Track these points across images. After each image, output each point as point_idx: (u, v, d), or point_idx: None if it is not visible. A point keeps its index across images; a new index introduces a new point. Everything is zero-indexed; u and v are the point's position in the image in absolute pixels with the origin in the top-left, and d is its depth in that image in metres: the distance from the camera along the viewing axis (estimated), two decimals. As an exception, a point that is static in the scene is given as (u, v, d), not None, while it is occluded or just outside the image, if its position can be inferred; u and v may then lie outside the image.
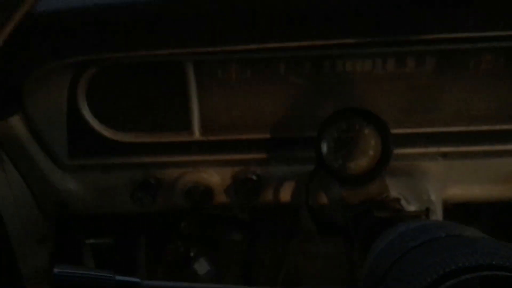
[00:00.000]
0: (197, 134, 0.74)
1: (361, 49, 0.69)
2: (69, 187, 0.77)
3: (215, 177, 0.78)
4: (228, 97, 0.73)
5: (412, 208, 0.66)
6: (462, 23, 0.64)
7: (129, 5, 0.61)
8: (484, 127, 0.73)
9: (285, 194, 0.78)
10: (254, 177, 0.77)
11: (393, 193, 0.67)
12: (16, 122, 0.67)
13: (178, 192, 0.78)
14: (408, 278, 0.31)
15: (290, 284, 1.13)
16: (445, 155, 0.74)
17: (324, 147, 0.64)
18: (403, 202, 0.64)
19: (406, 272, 0.32)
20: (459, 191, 0.79)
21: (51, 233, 0.84)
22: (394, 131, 0.72)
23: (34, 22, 0.61)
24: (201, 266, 1.09)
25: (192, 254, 1.04)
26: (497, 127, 0.72)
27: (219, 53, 0.67)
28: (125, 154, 0.74)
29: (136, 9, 0.61)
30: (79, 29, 0.62)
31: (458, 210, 1.00)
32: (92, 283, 0.33)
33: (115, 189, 0.78)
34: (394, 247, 0.37)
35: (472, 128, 0.73)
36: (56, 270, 0.34)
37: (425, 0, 0.63)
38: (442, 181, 0.77)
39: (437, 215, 0.73)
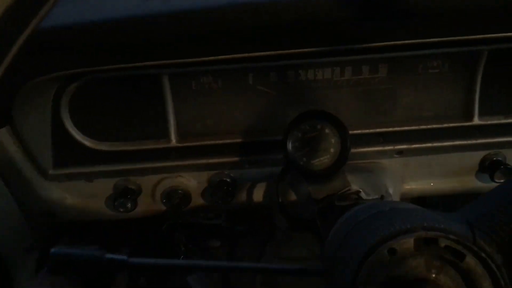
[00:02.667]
0: (174, 141, 0.79)
1: (321, 58, 0.76)
2: (54, 196, 0.81)
3: (192, 181, 0.83)
4: (202, 106, 0.79)
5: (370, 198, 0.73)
6: (410, 31, 0.72)
7: (109, 22, 0.67)
8: (434, 126, 0.80)
9: (258, 194, 0.85)
10: (228, 180, 0.83)
11: (354, 187, 0.74)
12: (4, 134, 0.72)
13: (158, 197, 0.84)
14: (357, 243, 0.38)
15: (268, 286, 1.18)
16: (400, 152, 0.82)
17: (290, 146, 0.71)
18: (362, 194, 0.71)
19: (356, 239, 0.39)
20: (415, 185, 0.87)
21: (39, 242, 0.88)
22: (354, 132, 0.79)
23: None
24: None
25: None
26: (445, 125, 0.80)
27: (192, 65, 0.73)
28: (106, 162, 0.79)
29: (116, 26, 0.67)
30: (63, 45, 0.67)
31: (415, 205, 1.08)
32: (85, 261, 0.39)
33: (98, 196, 0.82)
34: (348, 221, 0.43)
35: (423, 126, 0.80)
36: (53, 249, 0.39)
37: (376, 12, 0.71)
38: (399, 176, 0.84)
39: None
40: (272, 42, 0.71)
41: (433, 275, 0.36)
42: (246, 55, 0.72)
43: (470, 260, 0.35)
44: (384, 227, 0.36)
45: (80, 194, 0.82)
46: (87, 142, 0.78)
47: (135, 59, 0.69)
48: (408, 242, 0.36)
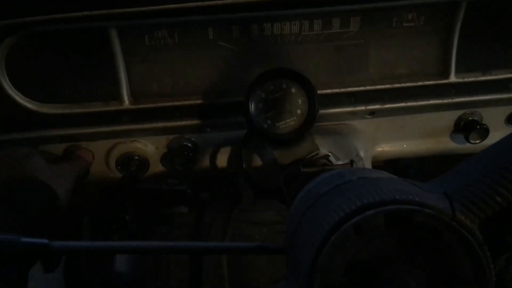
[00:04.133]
0: (127, 103, 0.72)
1: (288, 10, 0.69)
2: (-4, 165, 0.74)
3: (149, 147, 0.77)
4: (157, 64, 0.72)
5: (339, 163, 0.68)
6: None
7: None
8: (408, 84, 0.75)
9: (222, 160, 0.79)
10: (189, 144, 0.77)
11: (323, 151, 0.69)
12: None
13: (112, 164, 0.77)
14: (318, 220, 0.33)
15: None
16: (372, 113, 0.77)
17: (253, 108, 0.64)
18: (331, 158, 0.66)
19: (317, 215, 0.34)
20: (388, 147, 0.83)
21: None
22: (323, 91, 0.74)
23: None
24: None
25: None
26: (420, 83, 0.76)
27: (143, 16, 0.65)
28: (52, 126, 0.72)
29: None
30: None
31: (388, 167, 1.05)
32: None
33: (45, 164, 0.75)
34: (310, 194, 0.38)
35: (397, 85, 0.75)
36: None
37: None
38: (371, 138, 0.80)
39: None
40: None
41: (406, 257, 0.31)
42: (204, 3, 0.65)
43: (448, 238, 0.30)
44: (350, 201, 0.31)
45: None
46: (29, 104, 0.71)
47: (75, 7, 0.60)
48: (377, 219, 0.30)
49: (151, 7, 0.64)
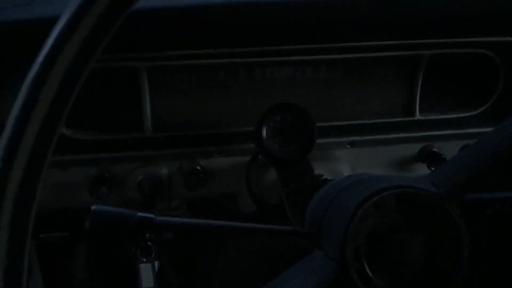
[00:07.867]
0: (148, 132, 0.84)
1: (285, 57, 0.84)
2: (28, 185, 0.83)
3: (164, 170, 0.88)
4: (176, 100, 0.84)
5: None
6: (364, 35, 0.82)
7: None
8: (382, 120, 0.91)
9: (226, 182, 0.91)
10: (198, 168, 0.89)
11: (317, 172, 0.82)
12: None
13: (130, 185, 0.88)
14: (347, 202, 0.46)
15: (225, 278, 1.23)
16: (352, 144, 0.92)
17: (264, 134, 0.78)
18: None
19: (344, 199, 0.47)
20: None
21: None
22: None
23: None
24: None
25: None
26: (391, 120, 0.92)
27: (169, 59, 0.79)
28: (82, 151, 0.82)
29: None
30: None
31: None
32: (119, 218, 0.44)
33: (72, 185, 0.85)
34: (330, 191, 0.51)
35: (373, 121, 0.91)
36: (94, 207, 0.44)
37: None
38: (351, 165, 0.94)
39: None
40: (241, 41, 0.79)
41: (410, 226, 0.45)
42: (217, 50, 0.79)
43: (436, 212, 0.45)
44: (369, 188, 0.45)
45: (55, 183, 0.84)
46: (65, 131, 0.81)
47: (117, 50, 0.73)
48: (390, 198, 0.44)
49: (177, 52, 0.78)
